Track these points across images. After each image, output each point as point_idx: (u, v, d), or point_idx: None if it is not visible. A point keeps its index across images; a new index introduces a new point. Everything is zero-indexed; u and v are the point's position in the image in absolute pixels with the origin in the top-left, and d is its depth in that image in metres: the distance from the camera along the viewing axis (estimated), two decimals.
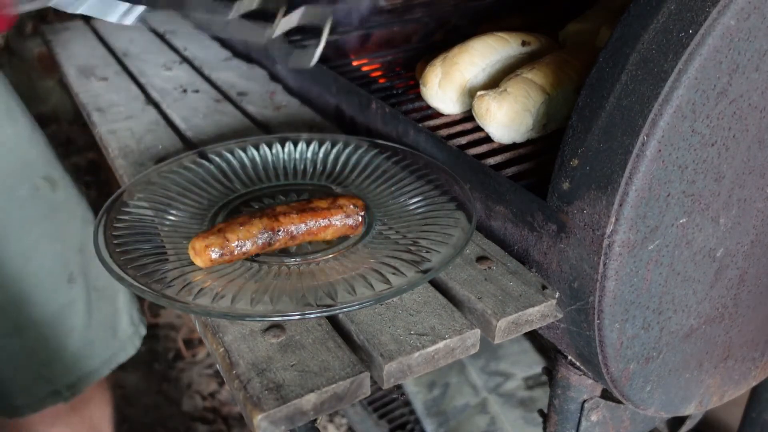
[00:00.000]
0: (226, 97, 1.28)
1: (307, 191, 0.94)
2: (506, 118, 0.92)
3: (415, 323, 0.69)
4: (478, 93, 0.95)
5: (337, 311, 0.67)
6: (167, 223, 0.83)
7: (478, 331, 0.69)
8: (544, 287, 0.75)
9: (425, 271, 0.72)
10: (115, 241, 0.77)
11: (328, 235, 0.79)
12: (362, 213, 0.80)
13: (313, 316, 0.67)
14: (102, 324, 1.35)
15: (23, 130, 1.22)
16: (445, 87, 1.02)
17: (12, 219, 1.19)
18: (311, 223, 0.77)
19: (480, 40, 1.06)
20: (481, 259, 0.79)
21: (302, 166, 0.98)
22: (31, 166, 1.22)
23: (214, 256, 0.73)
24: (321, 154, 0.99)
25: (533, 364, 2.10)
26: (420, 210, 0.86)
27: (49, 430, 1.40)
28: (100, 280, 1.32)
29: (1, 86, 1.20)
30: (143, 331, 1.45)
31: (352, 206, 0.80)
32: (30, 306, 1.23)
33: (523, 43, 1.08)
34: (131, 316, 1.42)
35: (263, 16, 0.71)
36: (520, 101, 0.92)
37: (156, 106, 1.24)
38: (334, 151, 0.99)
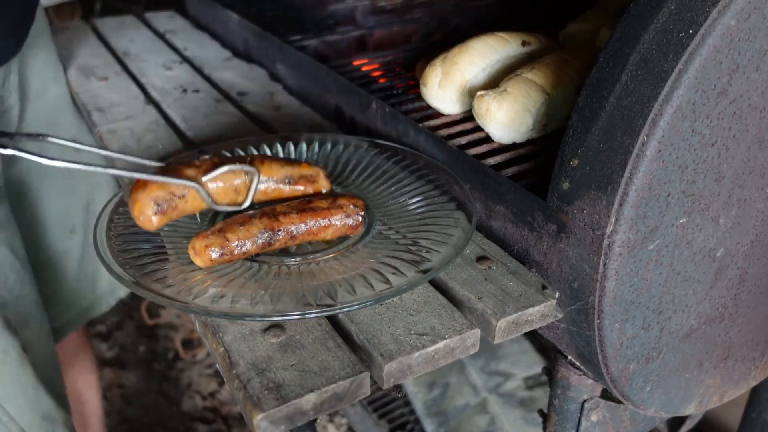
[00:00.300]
0: (227, 96, 1.27)
1: None
2: (506, 118, 0.92)
3: (415, 323, 0.69)
4: (479, 93, 0.95)
5: (337, 311, 0.67)
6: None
7: (478, 331, 0.69)
8: (544, 287, 0.75)
9: (425, 271, 0.72)
10: (115, 241, 0.77)
11: (328, 235, 0.79)
12: (362, 213, 0.80)
13: (313, 316, 0.67)
14: (88, 276, 1.46)
15: (65, 96, 1.36)
16: (445, 87, 1.02)
17: (35, 168, 1.32)
18: (311, 223, 0.77)
19: (480, 40, 1.06)
20: (481, 259, 0.79)
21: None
22: (64, 127, 1.36)
23: (214, 255, 0.72)
24: (321, 154, 0.98)
25: (533, 364, 2.10)
26: (420, 210, 0.86)
27: None
28: None
29: (54, 54, 1.34)
30: (121, 294, 1.54)
31: (352, 206, 0.80)
32: (40, 248, 1.37)
33: (523, 43, 1.08)
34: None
35: None
36: (520, 101, 0.92)
37: (156, 105, 1.24)
38: (334, 151, 0.99)
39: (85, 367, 1.55)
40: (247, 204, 0.81)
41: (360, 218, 0.80)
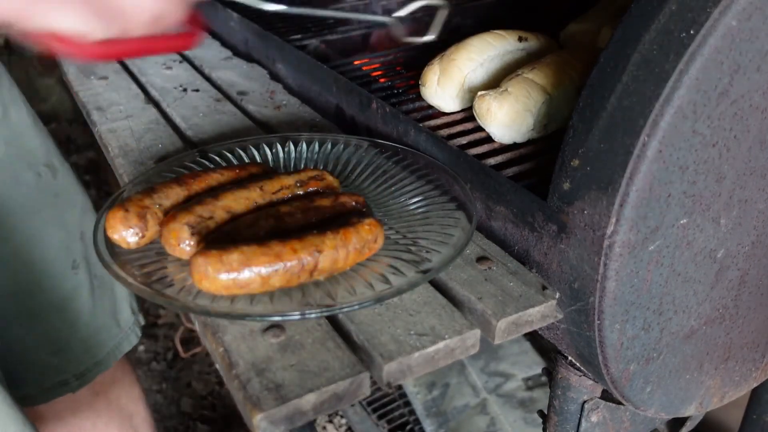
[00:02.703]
0: (227, 96, 1.27)
1: None
2: (507, 118, 0.92)
3: (415, 323, 0.69)
4: (479, 93, 0.95)
5: (337, 311, 0.67)
6: None
7: (477, 332, 0.69)
8: (544, 288, 0.75)
9: (425, 271, 0.72)
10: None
11: None
12: (364, 210, 0.80)
13: (313, 316, 0.67)
14: (105, 312, 1.36)
15: (27, 118, 1.25)
16: (444, 84, 1.02)
17: (18, 205, 1.21)
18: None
19: (477, 38, 1.06)
20: (481, 259, 0.79)
21: (302, 166, 0.97)
22: (35, 153, 1.25)
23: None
24: (321, 154, 0.98)
25: (533, 365, 2.10)
26: (420, 210, 0.86)
27: (72, 416, 1.41)
28: (99, 267, 1.32)
29: (5, 78, 1.23)
30: (142, 321, 1.47)
31: (354, 203, 0.80)
32: (39, 293, 1.25)
33: (520, 39, 1.08)
34: (130, 304, 1.43)
35: None
36: (521, 101, 0.92)
37: (156, 105, 1.24)
38: (334, 150, 0.99)
39: (127, 383, 1.49)
40: (433, 37, 0.78)
41: None
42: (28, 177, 1.23)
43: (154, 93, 1.28)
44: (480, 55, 1.04)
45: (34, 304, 1.25)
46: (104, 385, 1.42)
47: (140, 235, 0.74)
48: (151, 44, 0.63)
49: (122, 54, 0.61)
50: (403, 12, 0.77)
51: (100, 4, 0.56)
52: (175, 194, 0.79)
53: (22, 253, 1.22)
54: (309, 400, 0.61)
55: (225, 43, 1.55)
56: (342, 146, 0.99)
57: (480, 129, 0.99)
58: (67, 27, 0.55)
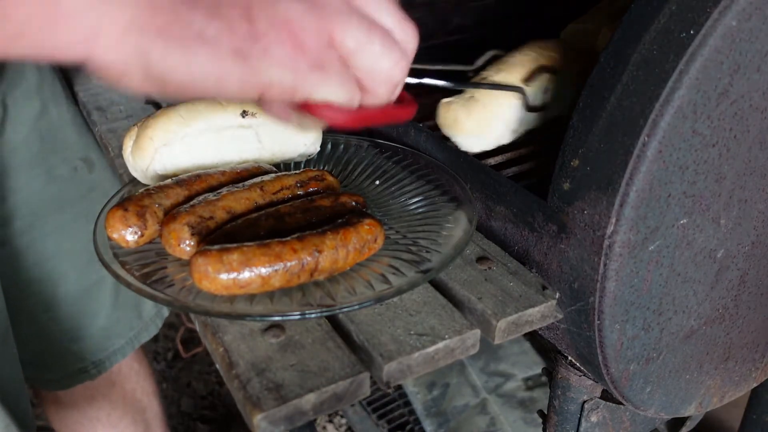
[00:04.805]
0: None
1: None
2: (476, 127, 0.90)
3: (415, 323, 0.69)
4: (444, 101, 0.92)
5: (337, 311, 0.67)
6: None
7: (477, 332, 0.69)
8: (544, 288, 0.75)
9: (425, 271, 0.72)
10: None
11: None
12: (364, 210, 0.80)
13: (313, 316, 0.67)
14: (127, 303, 1.39)
15: (66, 113, 1.27)
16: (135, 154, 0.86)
17: (51, 198, 1.23)
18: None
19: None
20: (481, 259, 0.79)
21: (302, 166, 0.97)
22: (72, 147, 1.27)
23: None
24: (321, 154, 0.98)
25: (533, 365, 2.11)
26: (420, 210, 0.86)
27: (88, 405, 1.44)
28: None
29: (48, 74, 1.24)
30: (166, 313, 1.49)
31: (354, 203, 0.80)
32: (63, 283, 1.28)
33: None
34: None
35: None
36: (489, 108, 0.89)
37: (156, 105, 1.24)
38: (334, 151, 0.99)
39: (141, 377, 1.52)
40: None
41: None
42: (63, 171, 1.25)
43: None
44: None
45: (57, 293, 1.27)
46: (121, 375, 1.45)
47: (139, 233, 0.74)
48: (386, 113, 0.67)
49: (365, 121, 0.65)
50: (532, 81, 0.81)
51: (355, 75, 0.61)
52: (175, 194, 0.79)
53: (49, 243, 1.24)
54: (309, 400, 0.61)
55: None
56: (342, 146, 0.99)
57: None
58: (331, 96, 0.60)
